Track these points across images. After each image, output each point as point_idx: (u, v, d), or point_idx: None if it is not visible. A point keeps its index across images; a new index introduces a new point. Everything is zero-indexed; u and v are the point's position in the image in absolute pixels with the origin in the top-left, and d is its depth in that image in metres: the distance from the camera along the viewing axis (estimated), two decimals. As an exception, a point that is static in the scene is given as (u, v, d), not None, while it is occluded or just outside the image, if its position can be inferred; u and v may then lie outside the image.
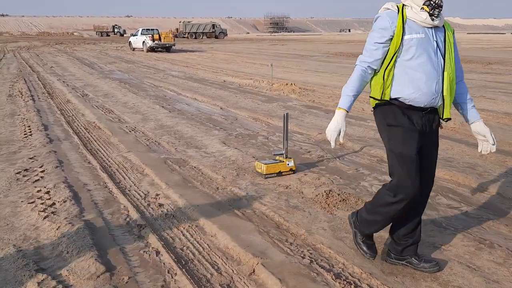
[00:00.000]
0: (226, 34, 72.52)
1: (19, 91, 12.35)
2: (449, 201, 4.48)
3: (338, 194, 4.58)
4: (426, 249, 3.47)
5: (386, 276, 3.10)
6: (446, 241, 3.60)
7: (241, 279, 3.14)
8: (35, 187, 4.97)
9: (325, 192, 4.63)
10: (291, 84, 12.84)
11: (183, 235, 3.82)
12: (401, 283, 3.01)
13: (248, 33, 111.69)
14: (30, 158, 6.06)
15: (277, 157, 5.41)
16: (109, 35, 74.70)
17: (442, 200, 4.50)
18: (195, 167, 5.67)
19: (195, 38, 65.54)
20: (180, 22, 75.07)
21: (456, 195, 4.64)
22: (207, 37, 67.76)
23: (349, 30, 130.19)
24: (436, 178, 5.07)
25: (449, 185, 4.93)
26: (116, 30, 76.69)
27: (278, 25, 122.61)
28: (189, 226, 3.98)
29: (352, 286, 2.97)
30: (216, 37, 68.81)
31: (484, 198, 4.56)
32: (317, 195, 4.59)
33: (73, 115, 9.29)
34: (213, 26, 70.70)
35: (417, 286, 2.97)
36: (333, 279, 3.05)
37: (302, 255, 3.39)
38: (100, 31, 77.09)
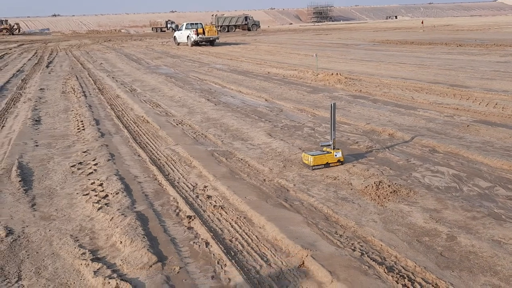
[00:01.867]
0: (259, 26, 71.37)
1: (72, 88, 12.84)
2: (509, 192, 4.25)
3: (389, 186, 4.45)
4: (484, 242, 3.31)
5: (441, 270, 2.98)
6: (506, 234, 3.41)
7: (290, 271, 3.11)
8: (89, 179, 5.15)
9: (374, 183, 4.52)
10: (337, 74, 12.61)
11: (232, 226, 3.84)
12: (458, 277, 2.89)
13: (291, 24, 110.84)
14: (84, 152, 6.28)
15: (325, 148, 5.33)
16: (164, 31, 75.97)
17: (500, 191, 4.27)
18: (241, 159, 5.69)
19: (228, 31, 64.85)
20: (212, 15, 74.57)
21: (515, 186, 4.40)
22: (241, 30, 67.13)
23: (396, 17, 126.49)
24: (494, 169, 4.86)
25: (508, 175, 4.68)
26: (169, 25, 77.96)
27: (321, 15, 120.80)
28: (237, 217, 3.99)
29: (406, 280, 2.88)
30: (249, 29, 67.73)
31: (547, 189, 4.29)
32: (366, 187, 4.48)
33: (122, 109, 9.55)
34: (246, 18, 69.78)
35: (475, 281, 2.84)
36: (385, 272, 2.97)
37: (352, 248, 3.32)
38: (155, 27, 79.33)
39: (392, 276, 2.92)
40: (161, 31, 76.92)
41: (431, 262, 3.08)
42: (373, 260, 3.13)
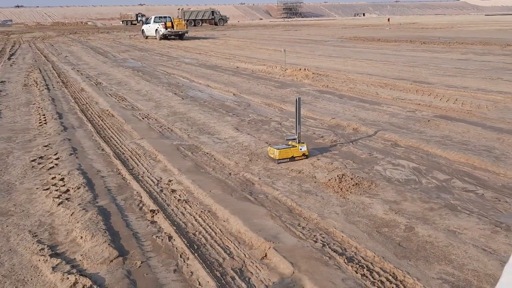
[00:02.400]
0: (226, 21, 70.84)
1: (34, 81, 12.47)
2: (465, 184, 4.40)
3: (351, 179, 4.54)
4: (440, 232, 3.42)
5: (399, 260, 3.06)
6: (461, 224, 3.54)
7: (253, 263, 3.14)
8: (50, 174, 5.03)
9: (338, 176, 4.59)
10: (305, 69, 12.72)
11: (196, 220, 3.83)
12: (415, 266, 2.98)
13: (261, 19, 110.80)
14: (45, 146, 6.12)
15: (290, 142, 5.37)
16: (134, 24, 74.29)
17: (457, 183, 4.42)
18: (207, 153, 5.67)
19: (194, 25, 64.00)
20: (178, 9, 73.32)
21: (471, 178, 4.56)
22: (208, 24, 66.45)
23: (364, 14, 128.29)
24: (451, 162, 5.02)
25: (464, 168, 4.85)
26: (139, 18, 76.25)
27: (291, 11, 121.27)
28: (201, 211, 3.98)
29: (365, 270, 2.94)
30: (215, 23, 67.04)
31: (501, 181, 4.47)
32: (329, 180, 4.55)
33: (87, 103, 9.35)
34: (213, 12, 69.03)
35: (431, 270, 2.94)
36: (345, 262, 3.03)
37: (314, 239, 3.37)
38: (125, 20, 77.60)
39: (351, 266, 2.98)
40: (132, 24, 75.40)
41: (390, 252, 3.17)
42: (334, 251, 3.19)
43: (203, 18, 67.66)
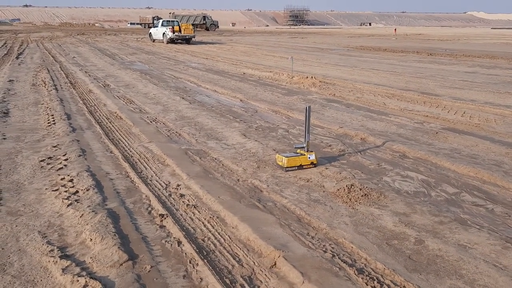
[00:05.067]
0: (218, 26, 70.74)
1: (43, 81, 12.53)
2: (474, 198, 4.39)
3: (360, 189, 4.53)
4: (451, 246, 3.41)
5: (409, 273, 3.05)
6: (472, 239, 3.53)
7: (262, 271, 3.13)
8: (59, 175, 5.04)
9: (346, 186, 4.59)
10: (311, 77, 12.74)
11: (204, 226, 3.83)
12: (425, 280, 2.97)
13: (267, 25, 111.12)
14: (54, 147, 6.14)
15: (298, 150, 5.37)
16: (150, 26, 75.72)
17: (466, 197, 4.41)
18: (215, 159, 5.68)
19: None
20: (169, 13, 73.30)
21: (481, 192, 4.55)
22: (199, 29, 66.33)
23: (370, 24, 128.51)
24: (460, 175, 5.01)
25: (474, 182, 4.84)
26: (155, 21, 77.45)
27: (297, 18, 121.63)
28: (210, 217, 3.98)
29: (375, 282, 2.94)
30: (207, 29, 66.98)
31: (511, 196, 4.45)
32: (338, 190, 4.55)
33: (95, 105, 9.38)
34: (204, 18, 68.81)
35: (441, 284, 2.93)
36: (355, 274, 3.02)
37: (324, 249, 3.37)
38: (144, 23, 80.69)
39: (362, 278, 2.97)
40: (148, 26, 76.88)
41: (400, 265, 3.16)
42: (344, 262, 3.18)
43: (194, 23, 67.47)
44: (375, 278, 2.99)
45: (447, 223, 3.81)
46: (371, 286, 2.89)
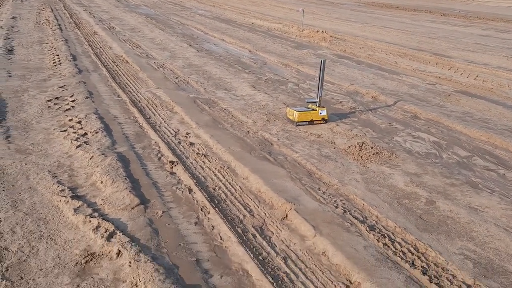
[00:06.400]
0: None
1: (46, 19, 12.20)
2: (486, 162, 4.36)
3: (371, 147, 4.48)
4: (462, 208, 3.40)
5: (420, 232, 3.06)
6: (483, 202, 3.52)
7: (273, 223, 3.13)
8: (67, 116, 4.97)
9: (358, 144, 4.54)
10: (322, 31, 12.42)
11: (215, 175, 3.80)
12: (436, 240, 2.98)
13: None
14: (60, 87, 6.04)
15: (310, 105, 5.29)
16: None
17: (478, 161, 4.38)
18: (225, 109, 5.60)
19: None
20: None
21: (493, 157, 4.51)
22: None
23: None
24: (472, 139, 4.96)
25: (485, 146, 4.79)
26: None
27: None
28: (220, 167, 3.96)
29: (387, 239, 2.94)
30: None
31: (522, 162, 4.42)
32: (349, 147, 4.50)
33: (100, 47, 9.18)
34: None
35: (452, 245, 2.94)
36: (367, 230, 3.03)
37: (335, 205, 3.36)
38: None
39: (373, 235, 2.98)
40: None
41: (411, 224, 3.16)
42: (355, 218, 3.18)
43: None
44: (386, 235, 3.00)
45: (458, 185, 3.80)
46: (382, 243, 2.90)
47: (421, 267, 2.68)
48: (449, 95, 6.81)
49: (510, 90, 7.31)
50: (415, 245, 2.92)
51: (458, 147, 4.70)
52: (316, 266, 2.69)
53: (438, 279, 2.59)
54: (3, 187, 3.40)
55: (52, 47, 8.63)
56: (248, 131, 4.86)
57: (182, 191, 3.48)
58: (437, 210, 3.37)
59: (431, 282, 2.53)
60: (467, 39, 13.44)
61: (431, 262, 2.74)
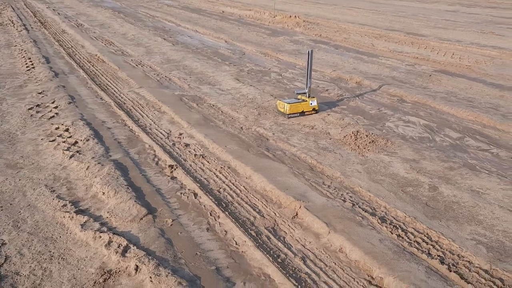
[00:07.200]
0: None
1: (9, 20, 11.71)
2: (478, 143, 4.45)
3: (367, 136, 4.52)
4: (464, 192, 3.47)
5: (430, 220, 3.11)
6: (484, 184, 3.60)
7: (285, 222, 3.13)
8: (52, 124, 4.80)
9: (352, 133, 4.57)
10: (295, 16, 12.37)
11: (217, 176, 3.76)
12: (446, 227, 3.04)
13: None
14: (39, 93, 5.82)
15: (299, 96, 5.27)
16: None
17: (470, 142, 4.47)
18: (213, 105, 5.52)
19: None
20: None
21: (483, 136, 4.62)
22: None
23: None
24: (460, 119, 5.06)
25: (474, 126, 4.89)
26: None
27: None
28: (221, 167, 3.91)
29: (400, 230, 2.98)
30: None
31: None
32: (345, 136, 4.52)
33: (72, 46, 8.88)
34: None
35: (462, 231, 3.00)
36: (379, 223, 3.06)
37: (342, 199, 3.38)
38: None
39: (386, 227, 3.01)
40: None
41: (419, 212, 3.21)
42: (365, 211, 3.21)
43: None
44: (398, 226, 3.04)
45: (457, 168, 3.87)
46: (396, 234, 2.93)
47: (438, 256, 2.73)
48: (430, 76, 6.92)
49: (487, 67, 7.48)
50: (427, 233, 2.97)
51: (448, 129, 4.78)
52: (335, 264, 2.70)
53: (456, 267, 2.64)
54: (1, 206, 3.27)
55: (22, 49, 8.30)
56: (242, 127, 4.81)
57: (188, 196, 3.43)
58: (441, 196, 3.44)
59: (450, 271, 2.59)
60: (436, 16, 13.65)
61: (446, 250, 2.80)
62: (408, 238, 2.91)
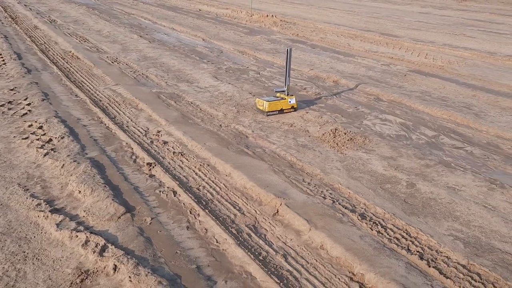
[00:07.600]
0: None
1: (-22, 14, 11.35)
2: (452, 141, 4.54)
3: (345, 133, 4.55)
4: (441, 189, 3.54)
5: (408, 216, 3.15)
6: (459, 181, 3.67)
7: (265, 220, 3.11)
8: (25, 121, 4.66)
9: (331, 131, 4.59)
10: (272, 16, 12.40)
11: (196, 174, 3.72)
12: (425, 223, 3.08)
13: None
14: (11, 90, 5.65)
15: (278, 94, 5.27)
16: None
17: (445, 140, 4.56)
18: (191, 103, 5.47)
19: None
20: None
21: (457, 134, 4.71)
22: None
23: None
24: (435, 118, 5.15)
25: (448, 124, 4.99)
26: None
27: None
28: (200, 165, 3.87)
29: (379, 227, 3.01)
30: None
31: (485, 138, 4.65)
32: (323, 134, 4.54)
33: (45, 42, 8.66)
34: None
35: (440, 226, 3.05)
36: (359, 219, 3.08)
37: (323, 196, 3.39)
38: None
39: (366, 224, 3.03)
40: None
41: (398, 209, 3.24)
42: (345, 208, 3.23)
43: None
44: (377, 223, 3.06)
45: (433, 166, 3.94)
46: (376, 231, 2.96)
47: (417, 252, 2.77)
48: (405, 75, 7.03)
49: (460, 67, 7.65)
50: (406, 230, 3.00)
51: (424, 127, 4.87)
52: (317, 260, 2.71)
53: (435, 262, 2.68)
54: (-29, 206, 3.15)
55: (-8, 45, 8.04)
56: (221, 125, 4.78)
57: (167, 194, 3.38)
58: (419, 193, 3.49)
59: (429, 267, 2.62)
60: (409, 17, 13.90)
61: (425, 246, 2.84)
62: (387, 234, 2.94)
